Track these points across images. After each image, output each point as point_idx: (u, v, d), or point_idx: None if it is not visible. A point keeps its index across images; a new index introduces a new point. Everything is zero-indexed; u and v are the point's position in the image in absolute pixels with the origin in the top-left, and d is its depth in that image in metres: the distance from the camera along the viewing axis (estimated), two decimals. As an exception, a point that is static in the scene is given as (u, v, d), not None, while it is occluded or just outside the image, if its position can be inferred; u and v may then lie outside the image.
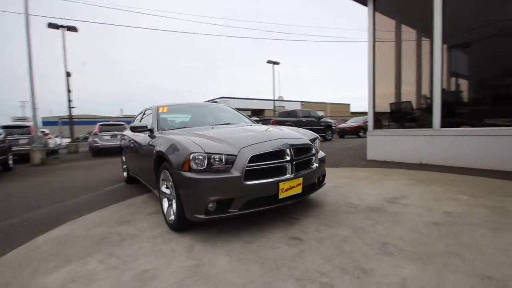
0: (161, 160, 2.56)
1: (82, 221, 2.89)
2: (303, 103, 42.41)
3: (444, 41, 4.61)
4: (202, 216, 2.06)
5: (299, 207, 2.81)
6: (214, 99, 32.73)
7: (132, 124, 3.26)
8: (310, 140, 2.65)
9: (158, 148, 2.55)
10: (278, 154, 2.22)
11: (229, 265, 1.77)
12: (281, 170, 2.22)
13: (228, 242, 2.10)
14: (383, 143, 5.57)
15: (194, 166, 2.05)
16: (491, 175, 3.75)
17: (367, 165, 5.25)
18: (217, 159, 2.07)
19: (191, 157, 2.06)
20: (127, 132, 4.65)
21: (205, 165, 2.06)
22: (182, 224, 2.29)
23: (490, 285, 1.41)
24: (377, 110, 5.82)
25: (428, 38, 5.29)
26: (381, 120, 5.91)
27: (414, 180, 3.74)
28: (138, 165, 3.59)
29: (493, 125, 4.25)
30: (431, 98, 4.79)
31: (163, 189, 2.59)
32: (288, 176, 2.23)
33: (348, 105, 50.54)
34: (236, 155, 2.09)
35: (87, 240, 2.34)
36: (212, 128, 2.92)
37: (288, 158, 2.24)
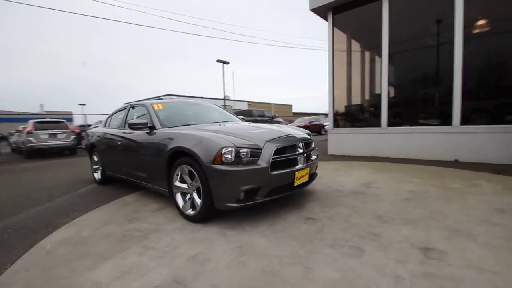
0: (176, 155, 2.63)
1: (81, 223, 2.72)
2: (249, 103, 43.50)
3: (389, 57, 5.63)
4: (234, 205, 2.27)
5: (298, 194, 3.21)
6: (159, 96, 30.93)
7: (131, 121, 3.14)
8: (309, 136, 3.08)
9: (175, 144, 2.61)
10: (294, 147, 2.57)
11: (269, 243, 2.05)
12: (296, 161, 2.58)
13: (255, 226, 2.36)
14: (341, 140, 6.43)
15: (225, 159, 2.24)
16: (427, 163, 4.81)
17: (330, 159, 6.01)
18: (245, 153, 2.30)
19: (223, 151, 2.24)
20: (101, 130, 4.37)
21: (234, 158, 2.27)
22: (208, 215, 2.44)
23: (460, 235, 2.03)
24: (335, 111, 6.67)
25: (369, 51, 6.35)
26: (338, 120, 6.79)
27: (374, 169, 4.54)
28: (129, 163, 3.48)
29: (425, 125, 5.41)
30: (379, 102, 5.79)
31: (177, 183, 2.67)
32: (301, 166, 2.60)
33: (291, 106, 53.90)
34: (261, 148, 2.36)
35: (106, 239, 2.29)
36: (220, 125, 3.09)
37: (301, 150, 2.62)
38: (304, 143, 2.68)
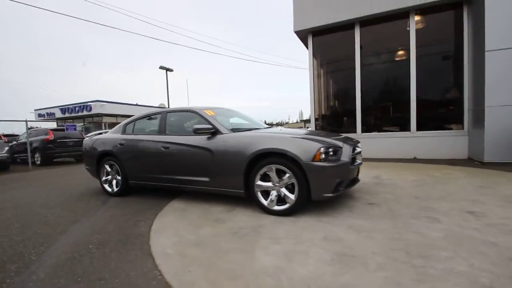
0: (258, 157, 2.88)
1: (167, 230, 2.66)
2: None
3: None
4: (330, 195, 2.69)
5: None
6: (86, 102, 27.19)
7: (197, 126, 3.12)
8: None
9: (261, 146, 2.85)
10: (355, 147, 3.17)
11: (368, 224, 2.54)
12: (355, 159, 3.17)
13: (339, 214, 2.83)
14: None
15: (323, 157, 2.67)
16: (395, 161, 6.11)
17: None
18: (334, 151, 2.76)
19: (321, 150, 2.66)
20: (122, 136, 4.04)
21: (329, 156, 2.71)
22: (300, 207, 2.78)
23: (477, 202, 2.96)
24: (316, 119, 7.62)
25: (341, 70, 7.61)
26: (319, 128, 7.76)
27: (368, 167, 5.53)
28: (179, 168, 3.43)
29: (389, 131, 6.81)
30: (355, 112, 6.98)
31: (259, 183, 2.92)
32: (360, 161, 3.21)
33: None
34: (342, 148, 2.87)
35: (220, 237, 2.38)
36: (281, 129, 3.44)
37: (358, 150, 3.23)
38: (357, 145, 3.31)
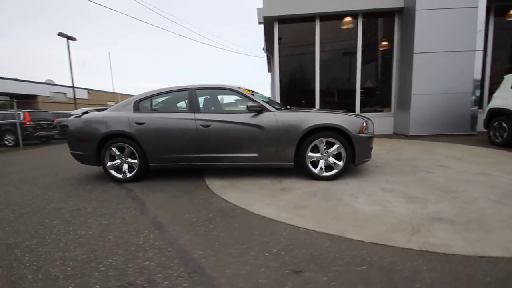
0: (310, 132, 3.31)
1: (249, 201, 2.79)
2: (90, 91, 36.11)
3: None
4: (366, 159, 3.43)
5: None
6: None
7: (251, 104, 3.11)
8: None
9: (314, 122, 3.26)
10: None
11: (396, 179, 3.43)
12: (370, 131, 4.01)
13: (374, 175, 3.62)
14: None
15: (364, 131, 3.35)
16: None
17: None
18: (368, 125, 3.49)
19: (364, 125, 3.33)
20: (142, 115, 3.59)
21: (365, 129, 3.41)
22: (344, 172, 3.40)
23: (439, 162, 4.33)
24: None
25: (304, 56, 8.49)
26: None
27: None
28: (220, 146, 3.45)
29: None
30: (314, 96, 8.01)
31: (310, 154, 3.38)
32: (370, 135, 4.08)
33: (140, 97, 49.39)
34: (368, 122, 3.62)
35: (307, 200, 2.75)
36: (314, 109, 3.89)
37: (369, 125, 4.09)
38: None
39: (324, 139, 3.34)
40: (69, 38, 19.77)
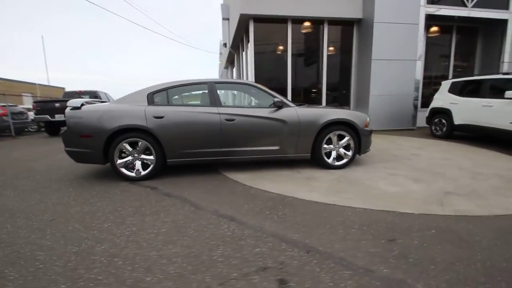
0: (328, 126, 3.69)
1: (287, 189, 2.99)
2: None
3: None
4: (368, 150, 4.00)
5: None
6: None
7: (277, 99, 3.18)
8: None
9: (331, 117, 3.64)
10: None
11: (394, 165, 4.08)
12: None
13: (376, 163, 4.21)
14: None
15: (368, 125, 3.89)
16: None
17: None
18: (369, 120, 4.04)
19: (367, 120, 3.86)
20: (155, 108, 3.36)
21: (368, 123, 3.96)
22: (352, 162, 3.89)
23: (412, 151, 5.26)
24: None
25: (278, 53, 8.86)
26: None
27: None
28: (243, 140, 3.52)
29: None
30: (286, 92, 8.49)
31: (325, 146, 3.76)
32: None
33: (63, 88, 42.51)
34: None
35: (337, 186, 3.11)
36: (321, 105, 4.24)
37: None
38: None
39: (337, 132, 3.75)
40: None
